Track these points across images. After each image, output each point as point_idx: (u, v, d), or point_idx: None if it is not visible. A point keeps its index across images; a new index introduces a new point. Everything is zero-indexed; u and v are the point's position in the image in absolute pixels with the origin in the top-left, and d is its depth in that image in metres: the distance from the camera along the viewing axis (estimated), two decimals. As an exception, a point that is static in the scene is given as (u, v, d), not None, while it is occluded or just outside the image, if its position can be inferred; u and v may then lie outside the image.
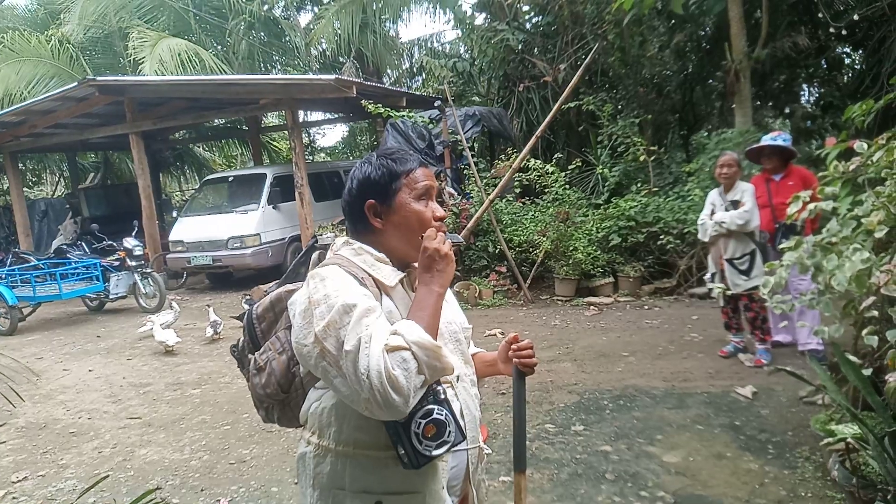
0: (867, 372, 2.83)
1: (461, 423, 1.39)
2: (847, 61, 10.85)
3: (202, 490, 3.63)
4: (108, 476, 3.29)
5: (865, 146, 3.01)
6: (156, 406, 5.18)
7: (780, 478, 3.24)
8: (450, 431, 1.31)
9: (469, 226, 8.00)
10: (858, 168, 3.04)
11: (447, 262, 1.40)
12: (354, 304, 1.28)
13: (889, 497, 2.51)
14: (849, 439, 2.93)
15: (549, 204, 8.56)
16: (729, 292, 4.82)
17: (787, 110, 10.80)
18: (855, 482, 2.80)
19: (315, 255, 1.58)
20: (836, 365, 3.01)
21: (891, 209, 2.77)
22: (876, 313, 2.71)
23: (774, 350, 4.99)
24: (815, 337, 4.39)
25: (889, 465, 2.55)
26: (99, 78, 10.76)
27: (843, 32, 9.69)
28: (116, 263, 9.40)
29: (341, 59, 15.92)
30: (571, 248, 7.78)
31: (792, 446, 3.56)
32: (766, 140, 5.04)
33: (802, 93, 11.26)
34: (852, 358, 2.90)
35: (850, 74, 10.55)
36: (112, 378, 6.07)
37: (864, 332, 2.74)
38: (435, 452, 1.30)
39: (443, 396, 1.33)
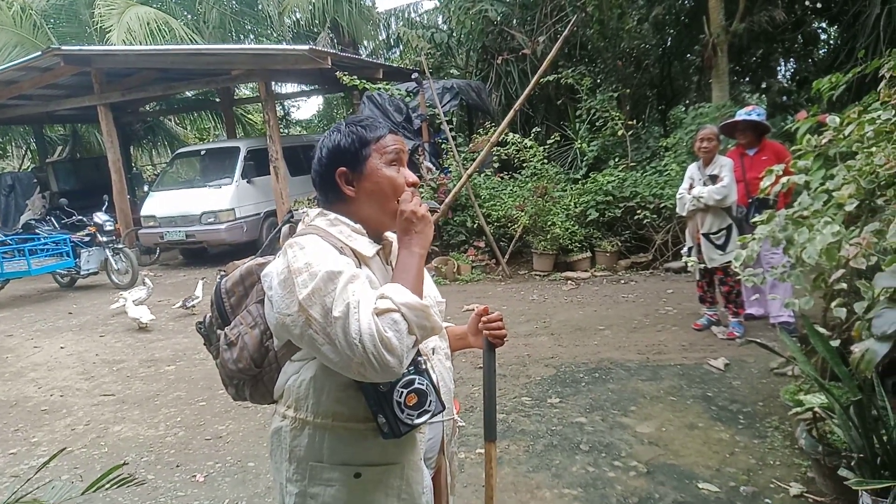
0: (835, 343, 2.88)
1: (440, 393, 1.39)
2: (823, 36, 10.91)
3: (178, 466, 3.61)
4: (65, 449, 3.23)
5: (837, 120, 3.03)
6: (129, 383, 5.12)
7: (750, 447, 3.32)
8: (431, 401, 1.33)
9: (447, 200, 7.97)
10: (830, 142, 3.06)
11: (425, 223, 1.39)
12: (340, 270, 1.26)
13: (853, 464, 2.58)
14: (816, 409, 3.01)
15: (527, 179, 8.55)
16: (703, 266, 4.90)
17: (763, 85, 10.87)
18: (821, 450, 2.87)
19: (286, 228, 1.54)
20: (806, 337, 3.07)
21: (861, 183, 2.80)
22: (845, 286, 2.75)
23: (747, 323, 5.07)
24: (787, 309, 4.49)
25: (853, 433, 2.61)
26: (64, 47, 10.40)
27: (819, 6, 9.74)
28: (87, 239, 9.23)
29: (315, 30, 15.62)
30: (549, 223, 7.80)
31: (762, 416, 3.64)
32: (741, 115, 5.06)
33: (779, 68, 11.32)
34: (821, 330, 2.96)
35: (825, 49, 10.63)
36: (84, 355, 5.99)
37: (833, 304, 2.79)
38: (417, 421, 1.31)
39: (423, 367, 1.34)
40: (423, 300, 1.30)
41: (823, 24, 10.62)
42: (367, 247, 1.43)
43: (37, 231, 10.14)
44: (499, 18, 11.62)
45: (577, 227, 7.89)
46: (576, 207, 8.03)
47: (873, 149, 2.82)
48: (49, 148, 16.63)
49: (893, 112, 2.70)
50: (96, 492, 1.89)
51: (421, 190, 8.70)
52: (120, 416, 4.44)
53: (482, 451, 3.42)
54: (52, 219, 11.00)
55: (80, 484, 2.05)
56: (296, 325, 1.26)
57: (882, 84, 2.79)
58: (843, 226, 2.82)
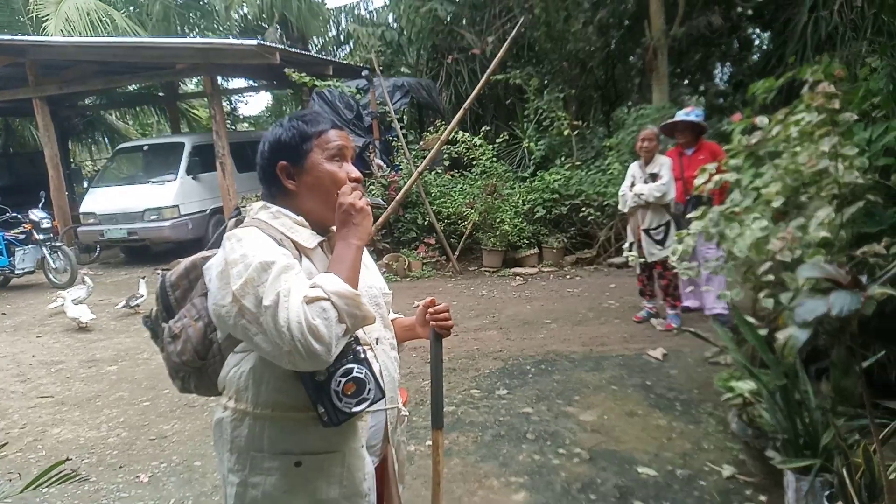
0: (763, 332, 3.05)
1: (381, 381, 1.42)
2: (756, 42, 11.40)
3: (121, 467, 3.53)
4: (5, 444, 3.13)
5: (766, 121, 3.20)
6: (69, 384, 4.96)
7: (686, 432, 3.48)
8: (369, 389, 1.35)
9: (398, 198, 7.99)
10: (760, 142, 3.23)
11: (363, 215, 1.41)
12: (273, 261, 1.28)
13: (778, 445, 2.75)
14: (746, 394, 3.18)
15: (477, 176, 8.65)
16: (643, 261, 5.08)
17: (701, 87, 11.28)
18: (750, 433, 3.04)
19: (231, 222, 1.54)
20: (738, 327, 3.24)
21: (787, 181, 2.97)
22: (772, 278, 2.92)
23: (683, 315, 5.28)
24: (721, 301, 4.70)
25: (779, 416, 2.78)
26: (-5, 36, 9.95)
27: (753, 13, 10.18)
28: (22, 237, 8.84)
29: (264, 25, 15.37)
30: (498, 221, 7.92)
31: (697, 403, 3.81)
32: (680, 115, 5.28)
33: (716, 71, 11.76)
34: (751, 319, 3.13)
35: (758, 54, 11.10)
36: (20, 356, 5.76)
37: (762, 295, 2.95)
38: (355, 409, 1.33)
39: (362, 356, 1.36)
40: (356, 290, 1.32)
41: (757, 31, 11.10)
42: (310, 238, 1.45)
43: (-33, 229, 9.66)
44: (449, 18, 11.70)
45: (525, 224, 8.04)
46: (524, 205, 8.17)
47: (798, 149, 3.00)
48: (-21, 142, 15.86)
49: (815, 114, 2.87)
50: (35, 492, 1.87)
51: (371, 187, 8.72)
52: (59, 417, 4.31)
53: (431, 443, 3.48)
54: (-16, 216, 10.50)
55: (18, 482, 2.01)
56: (230, 316, 1.27)
57: (805, 88, 2.96)
58: (771, 221, 2.99)
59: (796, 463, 2.57)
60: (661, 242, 4.99)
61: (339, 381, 1.31)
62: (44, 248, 8.75)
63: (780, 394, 2.79)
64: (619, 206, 5.39)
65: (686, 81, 11.34)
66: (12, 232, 8.90)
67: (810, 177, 2.91)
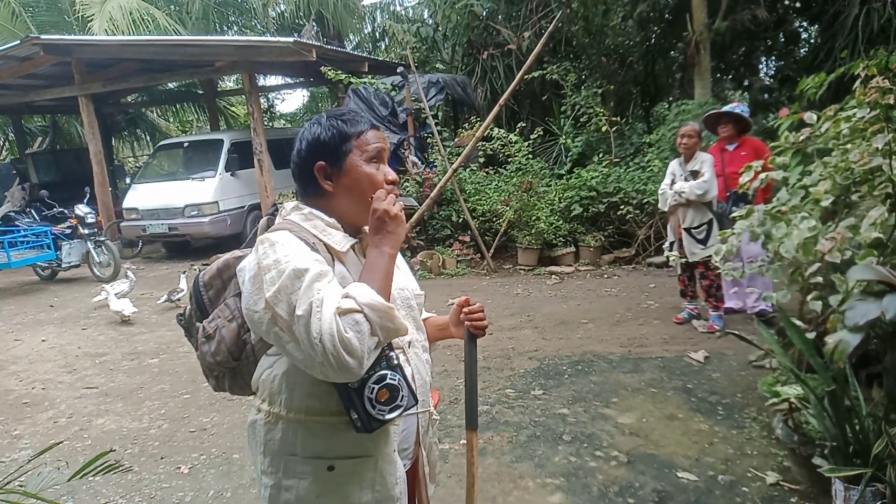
0: (811, 336, 2.95)
1: (413, 387, 1.40)
2: (804, 35, 11.05)
3: (162, 458, 3.61)
4: (62, 442, 3.23)
5: (815, 117, 3.09)
6: (113, 376, 5.09)
7: (729, 437, 3.39)
8: (402, 396, 1.33)
9: (432, 195, 7.99)
10: (808, 139, 3.12)
11: (397, 223, 1.38)
12: (306, 268, 1.25)
13: (826, 452, 2.65)
14: (792, 399, 3.08)
15: (512, 174, 8.59)
16: (684, 260, 4.97)
17: (745, 83, 10.99)
18: (796, 439, 2.94)
19: (263, 221, 1.52)
20: (784, 329, 3.13)
21: (837, 179, 2.87)
22: (821, 279, 2.82)
23: (726, 316, 5.15)
24: (765, 301, 4.57)
25: (827, 422, 2.68)
26: (43, 36, 10.25)
27: (800, 5, 9.87)
28: (68, 231, 9.13)
29: (300, 22, 15.53)
30: (534, 218, 7.85)
31: (740, 407, 3.72)
32: (725, 108, 5.16)
33: (761, 66, 11.45)
34: (798, 322, 3.02)
35: (806, 48, 10.77)
36: (66, 348, 5.94)
37: (810, 297, 2.85)
38: (388, 416, 1.31)
39: (395, 362, 1.34)
40: (388, 301, 1.30)
41: (804, 24, 10.76)
42: (342, 241, 1.42)
43: (16, 223, 10.01)
44: (484, 13, 11.64)
45: (561, 222, 7.95)
46: (560, 202, 8.09)
47: (848, 146, 2.89)
48: (28, 139, 16.40)
49: (868, 110, 2.76)
50: (81, 480, 1.91)
51: (406, 184, 8.74)
52: (103, 408, 4.42)
53: (465, 442, 3.46)
54: (33, 211, 10.88)
55: (66, 470, 2.07)
56: (262, 322, 1.26)
57: (857, 83, 2.85)
58: (820, 221, 2.88)
59: (846, 471, 2.47)
60: (703, 241, 4.87)
61: (373, 388, 1.30)
62: (89, 243, 9.02)
63: (829, 399, 2.69)
64: (660, 205, 5.28)
65: (730, 76, 11.06)
66: (59, 227, 9.19)
67: (862, 175, 2.81)
